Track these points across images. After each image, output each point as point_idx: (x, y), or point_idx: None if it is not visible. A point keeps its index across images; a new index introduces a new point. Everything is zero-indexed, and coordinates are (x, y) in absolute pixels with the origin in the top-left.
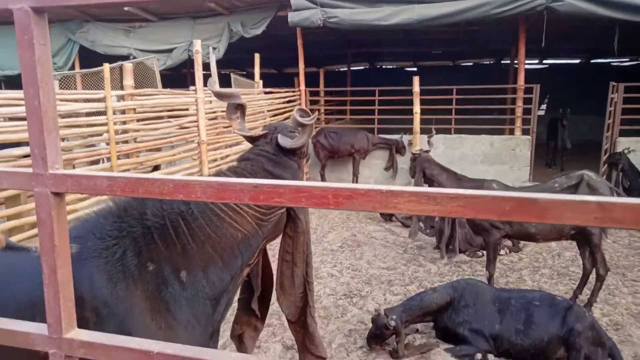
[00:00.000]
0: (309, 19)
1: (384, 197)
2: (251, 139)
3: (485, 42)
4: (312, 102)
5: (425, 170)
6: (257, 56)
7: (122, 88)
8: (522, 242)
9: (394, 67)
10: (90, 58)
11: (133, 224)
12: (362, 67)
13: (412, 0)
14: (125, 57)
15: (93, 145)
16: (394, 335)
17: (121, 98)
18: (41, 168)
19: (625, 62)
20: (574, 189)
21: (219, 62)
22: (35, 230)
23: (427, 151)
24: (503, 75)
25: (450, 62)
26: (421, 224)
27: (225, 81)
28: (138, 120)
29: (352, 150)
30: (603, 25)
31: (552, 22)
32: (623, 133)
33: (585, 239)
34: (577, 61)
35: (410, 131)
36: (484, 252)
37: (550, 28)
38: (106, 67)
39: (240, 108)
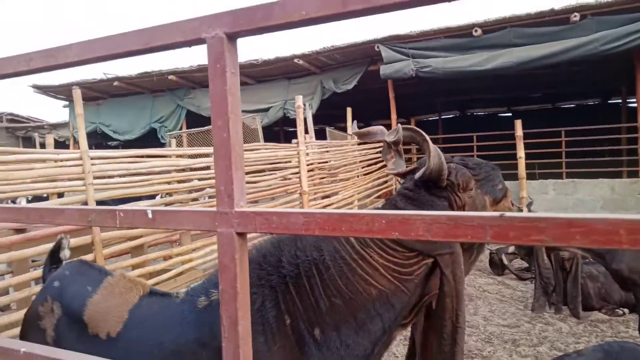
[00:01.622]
0: (402, 70)
1: None
2: (401, 177)
3: (590, 82)
4: (405, 151)
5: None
6: (349, 110)
7: None
8: None
9: (486, 113)
10: (195, 121)
11: (271, 272)
12: (452, 115)
13: (508, 44)
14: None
15: (196, 200)
16: None
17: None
18: (227, 206)
19: None
20: None
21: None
22: (154, 279)
23: None
24: (610, 115)
25: (549, 104)
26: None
27: (320, 136)
28: (247, 173)
29: None
30: None
31: None
32: None
33: None
34: None
35: (511, 177)
36: (625, 310)
37: None
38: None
39: (395, 145)
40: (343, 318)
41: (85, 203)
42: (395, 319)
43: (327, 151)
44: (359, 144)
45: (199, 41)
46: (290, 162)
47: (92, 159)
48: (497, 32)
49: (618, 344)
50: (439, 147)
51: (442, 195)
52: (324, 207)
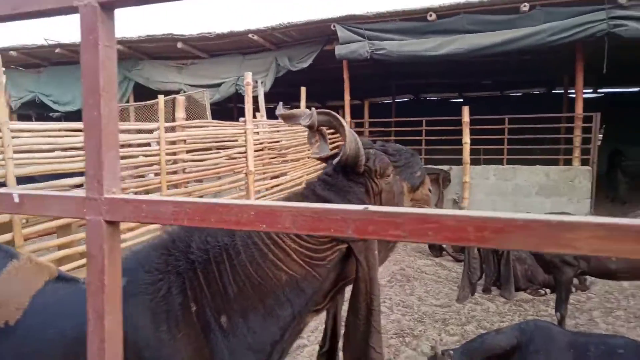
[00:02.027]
0: (357, 51)
1: (554, 232)
2: (324, 161)
3: (537, 71)
4: (357, 134)
5: None
6: (303, 90)
7: (174, 120)
8: (588, 280)
9: (439, 98)
10: (143, 94)
11: (179, 257)
12: (406, 99)
13: (461, 30)
14: (176, 93)
15: (143, 176)
16: None
17: (172, 129)
18: (96, 192)
19: None
20: None
21: (265, 96)
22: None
23: None
24: (554, 104)
25: (499, 92)
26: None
27: (271, 114)
28: (188, 152)
29: None
30: None
31: (612, 48)
32: None
33: None
34: (636, 89)
35: (458, 162)
36: (547, 290)
37: (609, 54)
38: (161, 99)
39: (310, 129)
40: (251, 304)
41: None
42: (306, 304)
43: (278, 131)
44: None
45: (72, 9)
46: (237, 140)
47: (12, 131)
48: (450, 17)
49: (534, 322)
50: (391, 130)
51: (359, 181)
52: (272, 187)
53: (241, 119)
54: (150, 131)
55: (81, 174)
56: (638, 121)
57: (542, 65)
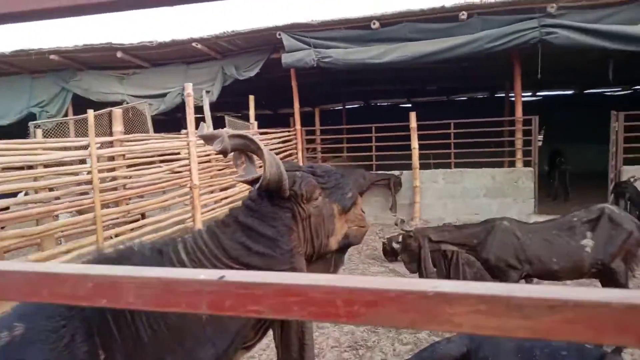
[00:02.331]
0: (303, 59)
1: (431, 306)
2: (250, 184)
3: (479, 77)
4: (309, 142)
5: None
6: (251, 98)
7: (111, 134)
8: (534, 281)
9: (389, 104)
10: (83, 105)
11: None
12: (357, 105)
13: (404, 38)
14: (119, 104)
15: (85, 193)
16: None
17: (109, 144)
18: None
19: (618, 91)
20: (594, 222)
21: (213, 105)
22: None
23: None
24: (497, 108)
25: (445, 97)
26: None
27: (219, 124)
28: (128, 167)
29: None
30: (596, 57)
31: (547, 54)
32: (627, 162)
33: (609, 278)
34: (571, 92)
35: (409, 167)
36: None
37: (545, 60)
38: (90, 113)
39: (223, 155)
40: (168, 348)
41: None
42: (231, 343)
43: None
44: (261, 133)
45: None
46: (179, 153)
47: None
48: (393, 26)
49: None
50: (343, 137)
51: (286, 206)
52: (220, 200)
53: (183, 131)
54: (82, 147)
55: (10, 194)
56: (574, 122)
57: (483, 71)
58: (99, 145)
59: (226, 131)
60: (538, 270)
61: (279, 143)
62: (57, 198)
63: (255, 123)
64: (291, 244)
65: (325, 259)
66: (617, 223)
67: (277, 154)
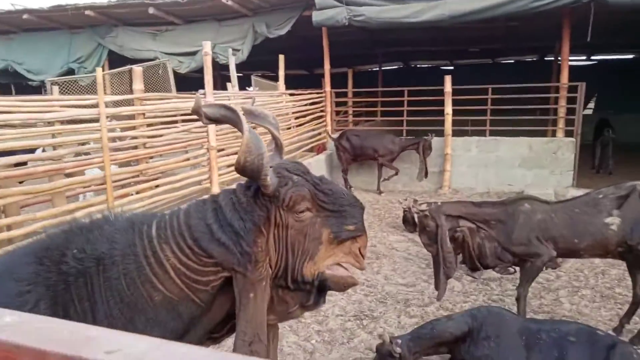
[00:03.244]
0: (334, 18)
1: None
2: None
3: (526, 38)
4: (339, 104)
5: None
6: (281, 57)
7: (131, 92)
8: (560, 259)
9: (430, 66)
10: (119, 61)
11: (50, 268)
12: (395, 67)
13: None
14: (152, 61)
15: (88, 154)
16: None
17: (118, 104)
18: None
19: None
20: (623, 199)
21: (245, 64)
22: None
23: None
24: (547, 72)
25: (490, 59)
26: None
27: (246, 83)
28: (148, 126)
29: (376, 155)
30: None
31: (600, 15)
32: None
33: (636, 260)
34: (631, 56)
35: (442, 133)
36: (516, 268)
37: (598, 22)
38: (99, 71)
39: (204, 118)
40: (120, 325)
41: None
42: (185, 331)
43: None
44: (289, 94)
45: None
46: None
47: None
48: None
49: (487, 308)
50: (376, 100)
51: (264, 204)
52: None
53: (200, 90)
54: (91, 106)
55: (28, 151)
56: (629, 90)
57: (531, 31)
58: (113, 103)
59: (272, 123)
60: (562, 249)
61: (307, 105)
62: (81, 154)
63: (280, 83)
64: (254, 247)
65: (304, 290)
66: None
67: (304, 116)
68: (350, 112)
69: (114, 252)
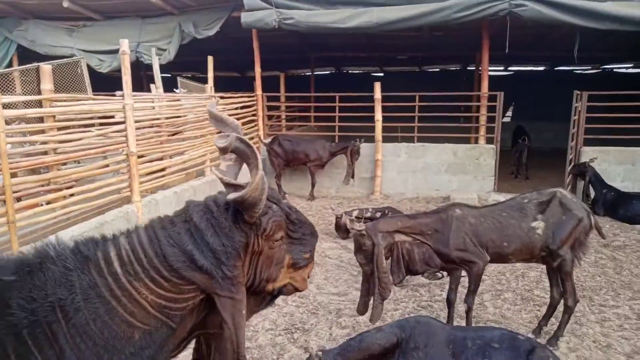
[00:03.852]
0: (263, 20)
1: None
2: (224, 184)
3: (450, 48)
4: (271, 108)
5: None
6: (210, 59)
7: (39, 92)
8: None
9: (361, 72)
10: (32, 58)
11: None
12: (328, 72)
13: (371, 2)
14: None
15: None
16: None
17: (29, 105)
18: None
19: (588, 70)
20: (545, 205)
21: (173, 65)
22: None
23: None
24: (469, 81)
25: (417, 67)
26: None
27: (172, 85)
28: (60, 129)
29: (307, 160)
30: (565, 33)
31: (516, 28)
32: (588, 142)
33: (555, 265)
34: (542, 68)
35: (373, 139)
36: (443, 273)
37: (514, 34)
38: None
39: (222, 152)
40: None
41: None
42: (155, 354)
43: (176, 106)
44: (220, 97)
45: None
46: (114, 117)
47: None
48: None
49: (415, 318)
50: (309, 105)
51: (244, 230)
52: (160, 169)
53: (118, 92)
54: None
55: None
56: (542, 99)
57: (454, 41)
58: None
59: (235, 125)
60: (492, 254)
61: (237, 109)
62: None
63: (209, 86)
64: (234, 271)
65: (259, 296)
66: (567, 208)
67: (236, 119)
68: (283, 116)
69: (74, 297)
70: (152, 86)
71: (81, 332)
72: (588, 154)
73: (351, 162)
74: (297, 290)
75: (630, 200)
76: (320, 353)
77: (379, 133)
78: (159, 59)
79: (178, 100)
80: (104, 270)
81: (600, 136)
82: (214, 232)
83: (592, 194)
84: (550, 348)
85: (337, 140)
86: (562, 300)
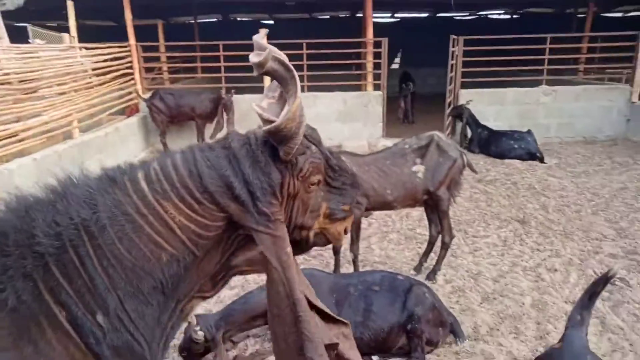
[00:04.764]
0: None
1: None
2: (263, 120)
3: None
4: (149, 59)
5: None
6: (70, 4)
7: None
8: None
9: (250, 19)
10: None
11: (23, 254)
12: (214, 19)
13: None
14: None
15: None
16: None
17: None
18: None
19: (466, 16)
20: (424, 149)
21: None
22: None
23: None
24: (359, 29)
25: (307, 14)
26: None
27: (22, 36)
28: None
29: (193, 114)
30: None
31: None
32: (465, 85)
33: (434, 205)
34: (425, 15)
35: (262, 90)
36: None
37: None
38: None
39: (259, 68)
40: (127, 292)
41: None
42: (182, 291)
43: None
44: (84, 48)
45: None
46: None
47: None
48: None
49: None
50: (194, 55)
51: (280, 167)
52: (12, 135)
53: None
54: None
55: None
56: (426, 45)
57: None
58: None
59: (274, 50)
60: (374, 202)
61: (107, 61)
62: None
63: (68, 35)
64: (271, 208)
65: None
66: (443, 150)
67: (105, 73)
68: (165, 68)
69: (99, 215)
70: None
71: (108, 254)
72: (465, 96)
73: (222, 115)
74: (329, 243)
75: (500, 137)
76: (195, 320)
77: (268, 83)
78: (5, 3)
79: (30, 52)
80: (129, 189)
81: (475, 79)
82: (252, 163)
83: (469, 133)
84: (429, 282)
85: (225, 92)
86: (439, 237)
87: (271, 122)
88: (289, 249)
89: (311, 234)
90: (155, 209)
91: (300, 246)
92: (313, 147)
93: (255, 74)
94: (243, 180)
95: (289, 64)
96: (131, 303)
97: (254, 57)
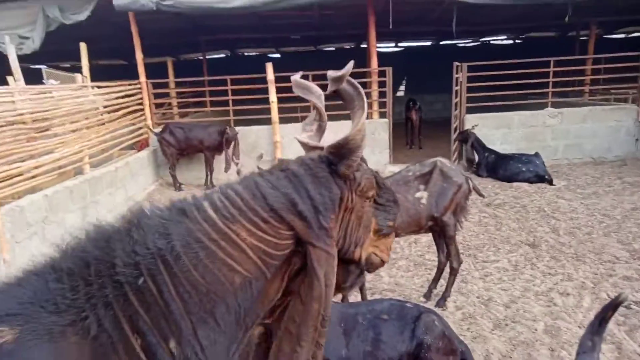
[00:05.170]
0: (139, 2)
1: None
2: (305, 149)
3: (341, 26)
4: (159, 95)
5: None
6: (83, 46)
7: None
8: None
9: (257, 54)
10: None
11: (103, 284)
12: (222, 55)
13: None
14: None
15: None
16: None
17: None
18: None
19: (469, 43)
20: (427, 176)
21: (44, 55)
22: None
23: None
24: (363, 59)
25: (312, 47)
26: None
27: (37, 77)
28: None
29: (201, 147)
30: (446, 8)
31: (399, 4)
32: (471, 110)
33: (440, 231)
34: (429, 43)
35: (269, 121)
36: None
37: (398, 11)
38: None
39: (335, 83)
40: (200, 318)
41: None
42: (252, 314)
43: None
44: (98, 86)
45: None
46: None
47: None
48: None
49: None
50: (203, 90)
51: (339, 183)
52: (19, 174)
53: None
54: None
55: None
56: (431, 73)
57: (344, 20)
58: None
59: (320, 101)
60: None
61: (119, 98)
62: None
63: (80, 75)
64: (331, 223)
65: (346, 267)
66: (447, 176)
67: (116, 110)
68: (175, 103)
69: (173, 244)
70: (9, 79)
71: (183, 281)
72: (471, 121)
73: (227, 148)
74: (382, 262)
75: (507, 160)
76: None
77: (275, 115)
78: (22, 47)
79: (44, 92)
80: (198, 217)
81: (480, 104)
82: (313, 180)
83: (476, 157)
84: (439, 309)
85: (232, 125)
86: (448, 263)
87: (318, 148)
88: (336, 270)
89: (364, 253)
90: (226, 233)
91: (354, 273)
92: (364, 165)
93: (328, 90)
94: (306, 195)
95: (356, 82)
96: (204, 329)
97: (332, 73)
